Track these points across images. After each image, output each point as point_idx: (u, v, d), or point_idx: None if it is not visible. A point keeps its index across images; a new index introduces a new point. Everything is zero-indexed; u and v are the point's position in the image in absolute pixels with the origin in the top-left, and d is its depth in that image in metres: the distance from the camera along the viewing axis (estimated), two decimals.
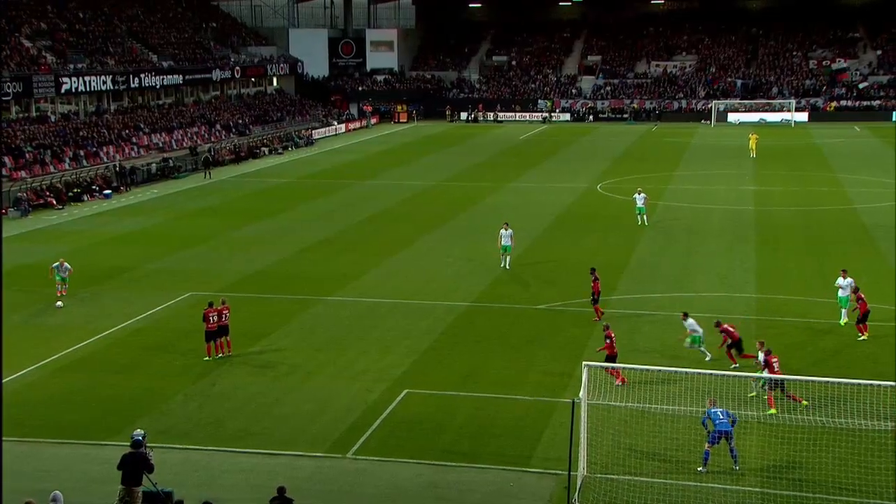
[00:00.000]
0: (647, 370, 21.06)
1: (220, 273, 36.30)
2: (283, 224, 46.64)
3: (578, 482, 18.09)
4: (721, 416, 19.00)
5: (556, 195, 53.28)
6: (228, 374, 25.01)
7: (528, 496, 18.07)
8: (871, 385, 19.04)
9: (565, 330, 28.69)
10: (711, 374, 21.29)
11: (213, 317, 26.24)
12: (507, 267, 35.71)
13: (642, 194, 44.92)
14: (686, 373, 21.88)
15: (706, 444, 18.93)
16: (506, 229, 36.37)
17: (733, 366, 24.01)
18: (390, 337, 28.05)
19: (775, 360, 22.31)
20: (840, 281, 29.12)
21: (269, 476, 18.54)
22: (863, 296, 27.43)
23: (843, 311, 28.62)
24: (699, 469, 18.82)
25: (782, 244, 40.57)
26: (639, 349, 26.49)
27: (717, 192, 53.84)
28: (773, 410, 20.97)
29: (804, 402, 21.26)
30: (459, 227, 44.95)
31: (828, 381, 20.39)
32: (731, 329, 24.74)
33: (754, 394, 22.15)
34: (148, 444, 17.02)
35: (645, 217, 44.59)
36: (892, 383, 19.17)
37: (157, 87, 78.63)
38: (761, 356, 22.56)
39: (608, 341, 23.88)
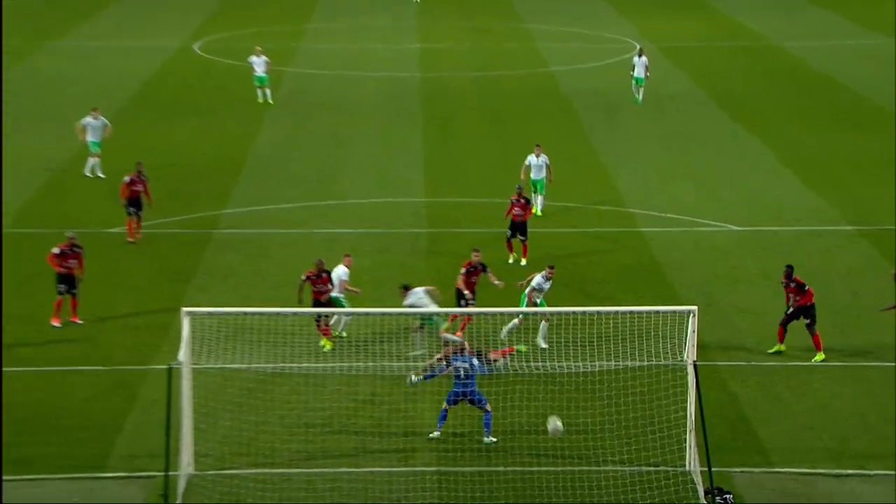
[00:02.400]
0: (276, 314, 21.34)
1: None
2: None
3: (181, 485, 18.07)
4: (461, 372, 19.50)
5: (133, 59, 52.17)
6: None
7: None
8: (560, 313, 20.78)
9: (157, 260, 28.39)
10: (371, 312, 22.10)
11: None
12: (100, 175, 34.76)
13: (262, 57, 44.88)
14: (337, 313, 22.52)
15: (446, 404, 19.75)
16: (95, 117, 35.20)
17: None
18: None
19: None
20: (531, 159, 31.45)
21: None
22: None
23: (541, 198, 31.24)
24: (433, 434, 19.66)
25: (458, 124, 42.71)
26: (269, 283, 26.93)
27: (369, 52, 55.31)
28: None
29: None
30: None
31: (509, 311, 21.86)
32: None
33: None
34: None
35: (268, 91, 44.84)
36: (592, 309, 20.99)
37: None
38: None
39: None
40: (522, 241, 28.10)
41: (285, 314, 21.46)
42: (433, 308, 22.70)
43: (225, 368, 20.44)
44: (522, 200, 28.25)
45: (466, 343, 20.45)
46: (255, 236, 30.36)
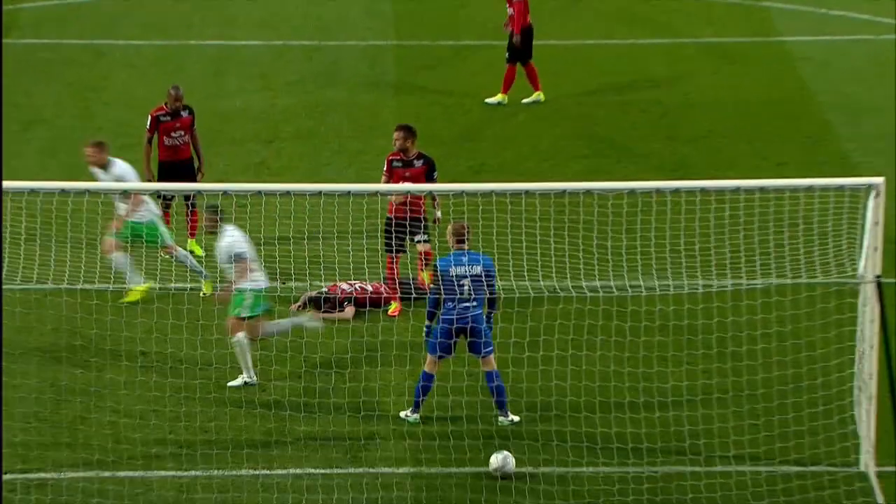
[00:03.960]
0: (122, 191, 21.45)
1: None
2: None
3: None
4: (466, 285, 19.76)
5: None
6: None
7: None
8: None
9: None
10: (304, 191, 22.22)
11: None
12: None
13: None
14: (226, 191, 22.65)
15: (429, 356, 20.06)
16: None
17: None
18: None
19: None
20: None
21: None
22: None
23: None
24: (406, 414, 20.13)
25: None
26: (107, 137, 26.84)
27: None
28: None
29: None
30: None
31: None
32: None
33: None
34: None
35: None
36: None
37: None
38: None
39: None
40: (509, 64, 29.25)
41: (139, 192, 21.48)
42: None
43: (32, 292, 20.71)
44: None
45: (466, 226, 20.30)
46: (84, 51, 30.60)
